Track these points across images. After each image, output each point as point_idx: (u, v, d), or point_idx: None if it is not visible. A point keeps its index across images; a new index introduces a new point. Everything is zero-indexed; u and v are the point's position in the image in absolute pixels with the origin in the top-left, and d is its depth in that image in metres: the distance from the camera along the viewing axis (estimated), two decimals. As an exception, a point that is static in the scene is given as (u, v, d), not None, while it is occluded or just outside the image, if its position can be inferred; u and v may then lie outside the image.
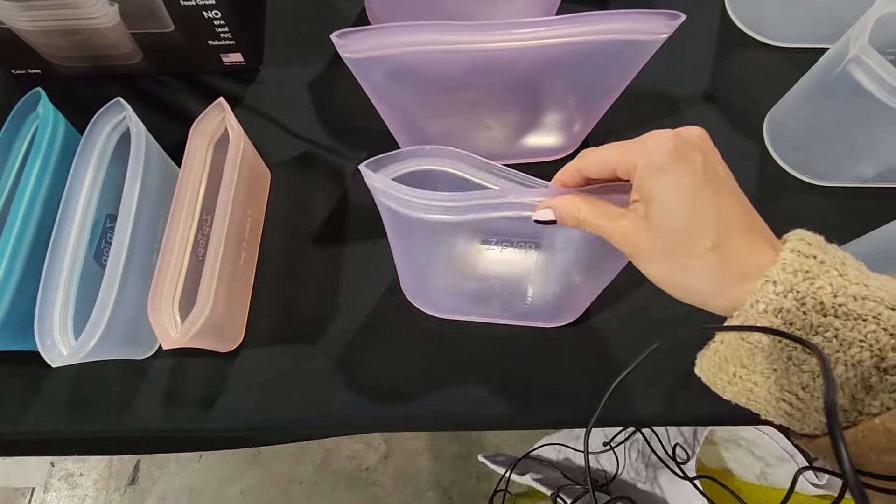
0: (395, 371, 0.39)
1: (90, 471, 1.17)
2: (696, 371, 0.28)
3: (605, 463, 0.60)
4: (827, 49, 0.40)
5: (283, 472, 1.16)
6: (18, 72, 0.46)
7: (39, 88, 0.36)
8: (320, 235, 0.43)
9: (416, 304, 0.41)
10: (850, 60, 0.36)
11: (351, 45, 0.34)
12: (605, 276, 0.37)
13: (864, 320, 0.21)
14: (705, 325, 0.27)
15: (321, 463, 1.17)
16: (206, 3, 0.40)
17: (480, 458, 0.61)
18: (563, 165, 0.46)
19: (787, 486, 0.26)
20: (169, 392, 0.37)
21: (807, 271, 0.22)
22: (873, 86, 0.35)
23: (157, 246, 0.37)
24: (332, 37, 0.33)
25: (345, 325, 0.40)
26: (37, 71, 0.46)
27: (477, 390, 0.39)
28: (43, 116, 0.35)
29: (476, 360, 0.40)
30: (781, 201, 0.46)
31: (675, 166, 0.25)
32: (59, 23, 0.41)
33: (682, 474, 0.46)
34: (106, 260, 0.36)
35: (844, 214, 0.45)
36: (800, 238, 0.23)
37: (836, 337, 0.22)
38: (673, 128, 0.49)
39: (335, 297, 0.41)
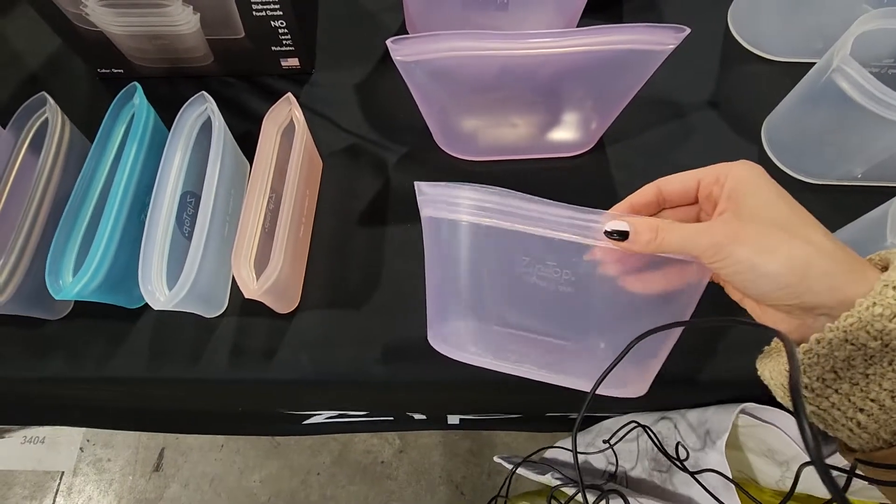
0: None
1: (117, 457, 1.22)
2: (760, 373, 0.28)
3: (622, 460, 0.61)
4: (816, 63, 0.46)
5: (301, 463, 1.20)
6: (104, 71, 0.53)
7: (136, 83, 0.42)
8: (365, 217, 0.48)
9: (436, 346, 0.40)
10: (834, 70, 0.41)
11: (402, 50, 0.40)
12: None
13: None
14: (693, 320, 0.29)
15: (338, 455, 1.21)
16: (275, 13, 0.47)
17: (496, 459, 0.64)
18: (581, 160, 0.52)
19: (813, 491, 0.27)
20: (235, 346, 0.43)
21: None
22: (854, 92, 0.40)
23: (227, 219, 0.43)
24: (388, 42, 0.39)
25: (386, 295, 0.46)
26: (120, 70, 0.53)
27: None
28: (139, 107, 0.42)
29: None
30: (778, 197, 0.51)
31: (768, 179, 0.26)
32: (148, 28, 0.47)
33: (680, 466, 0.48)
34: (186, 229, 0.42)
35: (835, 209, 0.49)
36: None
37: None
38: (680, 130, 0.54)
39: (378, 271, 0.46)
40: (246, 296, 0.35)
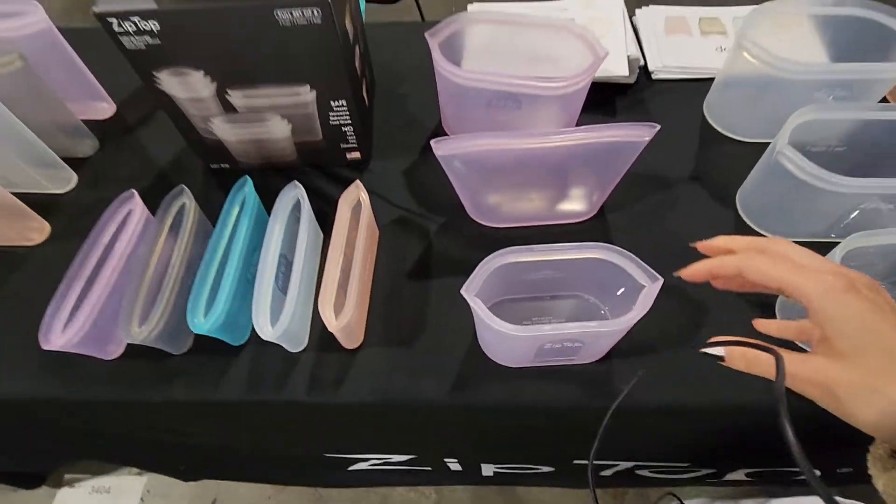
0: (468, 371, 0.55)
1: (172, 506, 1.30)
2: (874, 482, 0.27)
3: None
4: (774, 143, 0.57)
5: (342, 514, 1.26)
6: (214, 166, 0.69)
7: (248, 177, 0.57)
8: (413, 274, 0.61)
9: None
10: (778, 153, 0.53)
11: (441, 147, 0.53)
12: None
13: None
14: (693, 346, 0.32)
15: (377, 508, 1.26)
16: (345, 122, 0.62)
17: None
18: (586, 225, 0.64)
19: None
20: (312, 375, 0.54)
21: None
22: (794, 168, 0.51)
23: (308, 275, 0.56)
24: (431, 142, 0.52)
25: (432, 336, 0.57)
26: (226, 165, 0.69)
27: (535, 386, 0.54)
28: (248, 194, 0.57)
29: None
30: (756, 252, 0.61)
31: (855, 298, 0.25)
32: (254, 136, 0.63)
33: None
34: (280, 283, 0.55)
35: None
36: None
37: None
38: (667, 200, 0.66)
39: (425, 317, 0.58)
40: (329, 329, 0.47)
